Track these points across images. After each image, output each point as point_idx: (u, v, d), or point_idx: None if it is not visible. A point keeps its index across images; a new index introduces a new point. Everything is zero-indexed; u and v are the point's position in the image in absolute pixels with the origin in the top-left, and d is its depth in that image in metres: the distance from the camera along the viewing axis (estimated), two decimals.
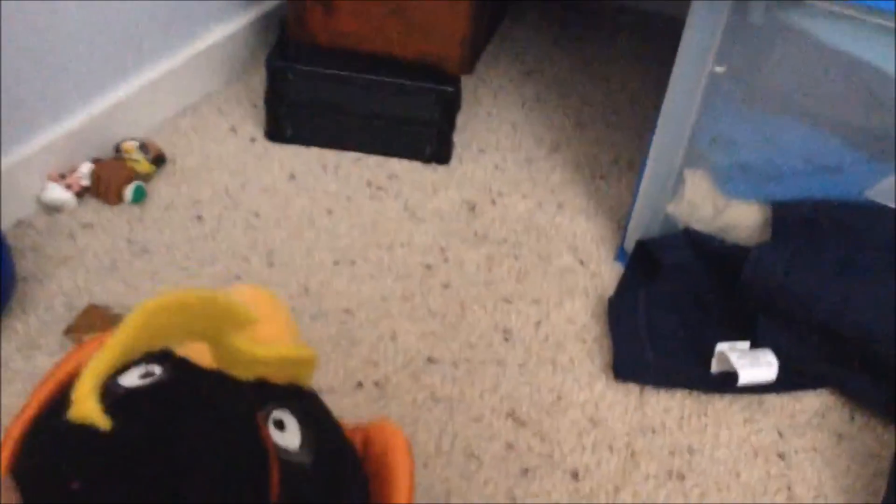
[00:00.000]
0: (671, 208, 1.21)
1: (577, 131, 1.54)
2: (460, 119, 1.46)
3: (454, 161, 1.42)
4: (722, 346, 1.04)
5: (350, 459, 0.51)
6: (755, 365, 1.00)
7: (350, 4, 1.34)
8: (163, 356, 0.48)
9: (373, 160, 1.39)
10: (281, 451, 0.45)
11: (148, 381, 0.46)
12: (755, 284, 1.09)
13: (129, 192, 1.19)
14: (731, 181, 1.18)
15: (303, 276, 1.15)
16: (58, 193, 1.16)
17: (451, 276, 1.19)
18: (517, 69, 1.69)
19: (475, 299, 1.15)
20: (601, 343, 1.11)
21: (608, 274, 1.23)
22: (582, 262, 1.24)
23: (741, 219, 1.18)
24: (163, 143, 1.34)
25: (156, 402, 0.44)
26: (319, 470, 0.46)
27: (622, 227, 1.32)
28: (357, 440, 0.55)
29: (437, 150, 1.40)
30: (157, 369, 0.47)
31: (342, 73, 1.34)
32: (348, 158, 1.39)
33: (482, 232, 1.28)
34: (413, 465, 0.53)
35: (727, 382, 1.02)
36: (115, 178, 1.19)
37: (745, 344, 1.05)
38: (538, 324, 1.12)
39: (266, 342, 0.48)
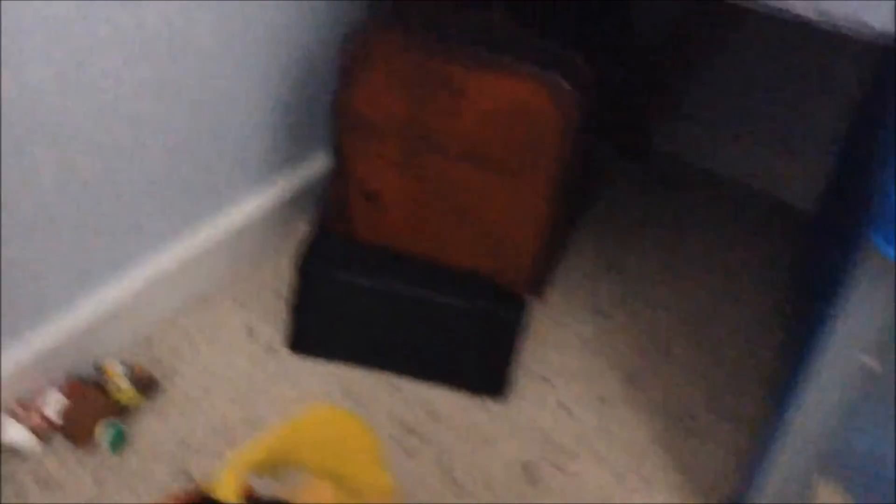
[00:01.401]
0: None
1: (660, 356, 1.27)
2: None
3: (512, 394, 1.16)
4: None
5: None
6: None
7: (402, 201, 1.10)
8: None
9: (410, 390, 1.14)
10: None
11: None
12: None
13: (104, 436, 0.95)
14: None
15: None
16: (16, 435, 0.93)
17: None
18: (593, 262, 1.44)
19: None
20: None
21: None
22: None
23: None
24: (161, 349, 1.11)
25: None
26: None
27: None
28: None
29: (490, 382, 1.15)
30: None
31: (386, 285, 1.10)
32: (381, 385, 1.13)
33: None
34: None
35: None
36: (87, 416, 0.95)
37: None
38: None
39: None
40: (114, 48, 0.91)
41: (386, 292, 1.10)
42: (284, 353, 1.15)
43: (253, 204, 1.25)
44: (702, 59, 1.56)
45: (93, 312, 1.03)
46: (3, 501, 0.90)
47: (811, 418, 0.90)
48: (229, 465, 0.43)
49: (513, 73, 1.00)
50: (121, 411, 0.99)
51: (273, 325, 1.18)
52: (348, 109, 1.07)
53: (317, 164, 1.34)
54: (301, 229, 1.34)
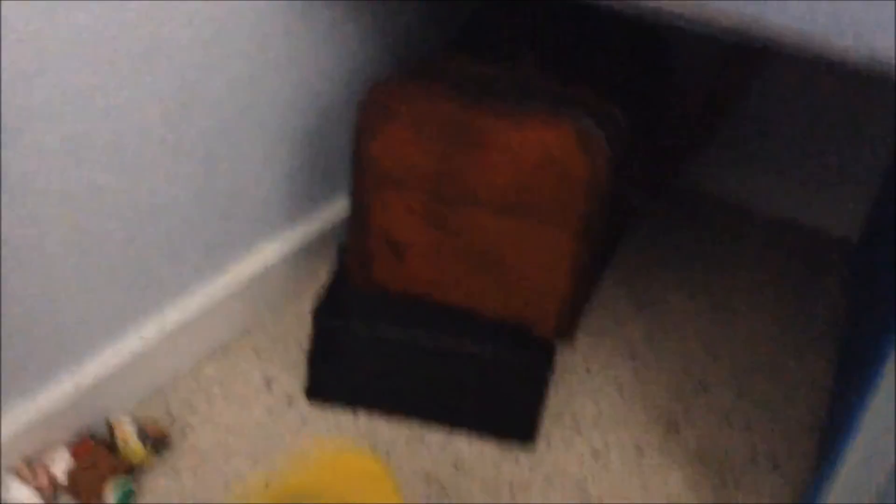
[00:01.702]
0: None
1: (699, 399, 1.21)
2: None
3: (541, 442, 1.11)
4: None
5: None
6: None
7: (426, 250, 1.07)
8: None
9: (436, 440, 1.09)
10: None
11: None
12: None
13: (111, 495, 0.91)
14: None
15: None
16: (19, 495, 0.89)
17: None
18: (626, 301, 1.38)
19: None
20: None
21: None
22: None
23: None
24: (176, 403, 1.07)
25: None
26: None
27: None
28: None
29: (520, 431, 1.09)
30: None
31: (407, 336, 1.05)
32: (405, 435, 1.08)
33: None
34: None
35: None
36: (94, 475, 0.91)
37: None
38: None
39: None
40: (128, 108, 0.90)
41: (408, 342, 1.06)
42: (304, 403, 1.11)
43: (272, 251, 1.22)
44: (734, 99, 1.51)
45: (104, 367, 1.00)
46: None
47: (861, 473, 0.83)
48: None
49: (541, 122, 0.97)
50: (131, 469, 0.95)
51: (293, 375, 1.14)
52: (370, 161, 1.04)
53: (337, 208, 1.32)
54: (322, 275, 1.31)
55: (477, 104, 0.98)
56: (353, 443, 1.06)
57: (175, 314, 1.09)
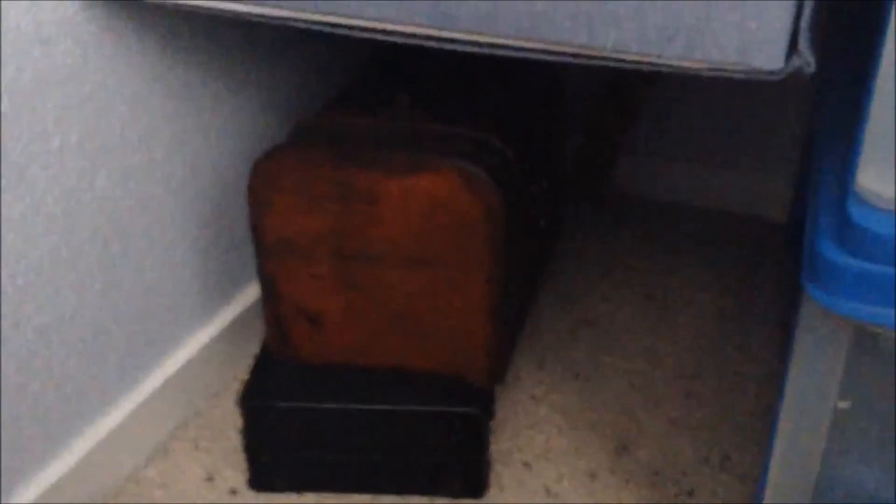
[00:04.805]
0: None
1: (649, 412, 1.20)
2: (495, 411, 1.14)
3: (493, 487, 1.09)
4: None
5: None
6: None
7: (341, 315, 1.06)
8: None
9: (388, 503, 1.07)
10: None
11: None
12: None
13: None
14: None
15: None
16: None
17: None
18: (565, 321, 1.38)
19: None
20: None
21: None
22: None
23: None
24: None
25: None
26: None
27: None
28: None
29: (466, 483, 1.08)
30: None
31: (337, 404, 1.04)
32: None
33: None
34: None
35: None
36: None
37: None
38: None
39: None
40: (10, 226, 0.88)
41: (340, 412, 1.05)
42: (248, 494, 1.09)
43: (196, 341, 1.20)
44: (643, 101, 1.52)
45: (38, 490, 0.98)
46: None
47: (792, 466, 0.82)
48: None
49: (425, 171, 0.97)
50: None
51: (235, 464, 1.12)
52: (267, 234, 1.03)
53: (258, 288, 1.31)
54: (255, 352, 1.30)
55: (358, 161, 0.98)
56: None
57: (104, 426, 1.07)
